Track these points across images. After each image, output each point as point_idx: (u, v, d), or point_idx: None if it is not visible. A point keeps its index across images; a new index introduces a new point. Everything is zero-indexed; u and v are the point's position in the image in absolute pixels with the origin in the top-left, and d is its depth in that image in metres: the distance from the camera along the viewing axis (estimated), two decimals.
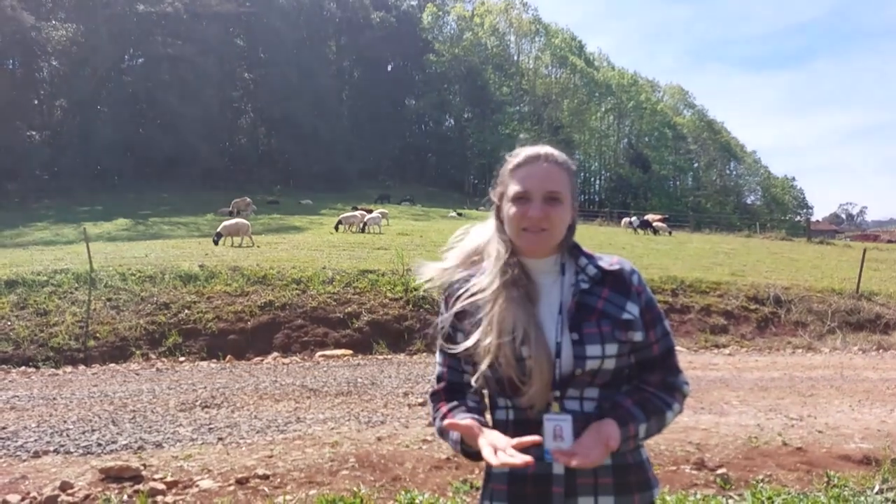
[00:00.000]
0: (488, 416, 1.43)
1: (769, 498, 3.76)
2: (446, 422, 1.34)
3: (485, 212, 1.51)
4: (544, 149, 1.42)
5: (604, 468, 1.31)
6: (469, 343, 1.36)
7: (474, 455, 1.33)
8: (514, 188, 1.38)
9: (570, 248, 1.43)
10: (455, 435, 1.36)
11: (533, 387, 1.30)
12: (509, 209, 1.38)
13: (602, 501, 1.31)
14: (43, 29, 40.75)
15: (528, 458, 1.19)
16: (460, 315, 1.40)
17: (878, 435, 5.29)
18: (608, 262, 1.41)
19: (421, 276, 1.49)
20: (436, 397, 1.45)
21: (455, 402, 1.42)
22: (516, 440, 1.23)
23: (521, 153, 1.42)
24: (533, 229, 1.35)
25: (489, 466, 1.41)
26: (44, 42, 41.28)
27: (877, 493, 3.87)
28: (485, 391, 1.44)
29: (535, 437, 1.23)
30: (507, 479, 1.36)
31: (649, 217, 30.49)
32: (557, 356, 1.31)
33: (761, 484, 4.08)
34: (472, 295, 1.39)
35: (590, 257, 1.42)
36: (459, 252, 1.49)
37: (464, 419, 1.33)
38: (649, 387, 1.38)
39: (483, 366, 1.33)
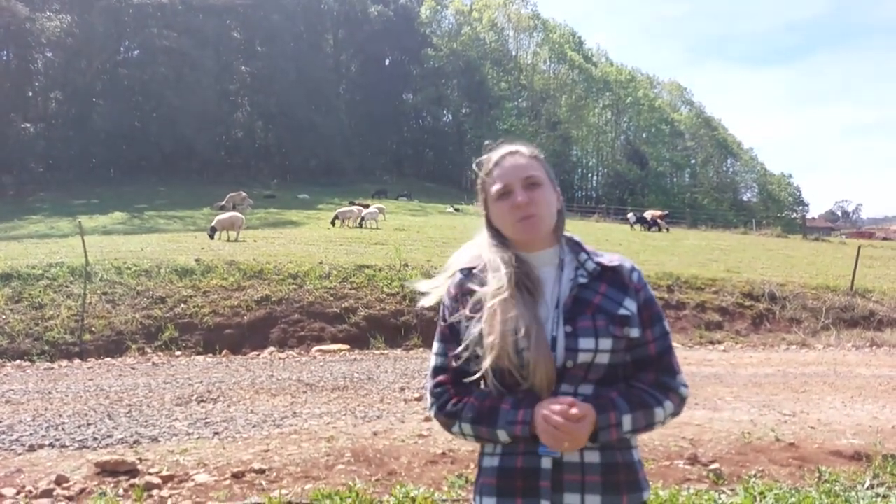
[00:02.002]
0: None
1: (761, 493, 3.79)
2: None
3: (479, 208, 1.52)
4: (510, 146, 1.47)
5: (591, 466, 1.31)
6: (473, 333, 1.37)
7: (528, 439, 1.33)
8: (494, 188, 1.42)
9: (571, 244, 1.45)
10: (513, 414, 1.32)
11: (533, 380, 1.32)
12: (497, 209, 1.42)
13: (589, 499, 1.31)
14: (37, 20, 40.44)
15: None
16: (464, 306, 1.41)
17: (870, 431, 5.33)
18: (608, 258, 1.44)
19: (421, 290, 1.51)
20: (442, 390, 1.41)
21: (477, 392, 1.41)
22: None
23: (491, 158, 1.47)
24: (523, 218, 1.38)
25: (480, 462, 1.43)
26: (38, 33, 40.99)
27: (867, 489, 3.91)
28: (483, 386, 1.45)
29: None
30: (496, 474, 1.37)
31: (648, 214, 30.38)
32: (553, 349, 1.33)
33: (754, 479, 4.11)
34: (475, 287, 1.41)
35: (590, 253, 1.44)
36: (455, 262, 1.51)
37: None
38: (641, 384, 1.38)
39: (487, 361, 1.34)
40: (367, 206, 25.21)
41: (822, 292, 12.81)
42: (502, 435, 1.33)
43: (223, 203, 27.84)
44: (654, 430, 1.40)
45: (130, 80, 44.39)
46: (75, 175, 39.34)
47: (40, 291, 9.98)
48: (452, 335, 1.43)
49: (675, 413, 1.38)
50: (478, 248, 1.48)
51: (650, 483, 1.35)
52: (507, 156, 1.44)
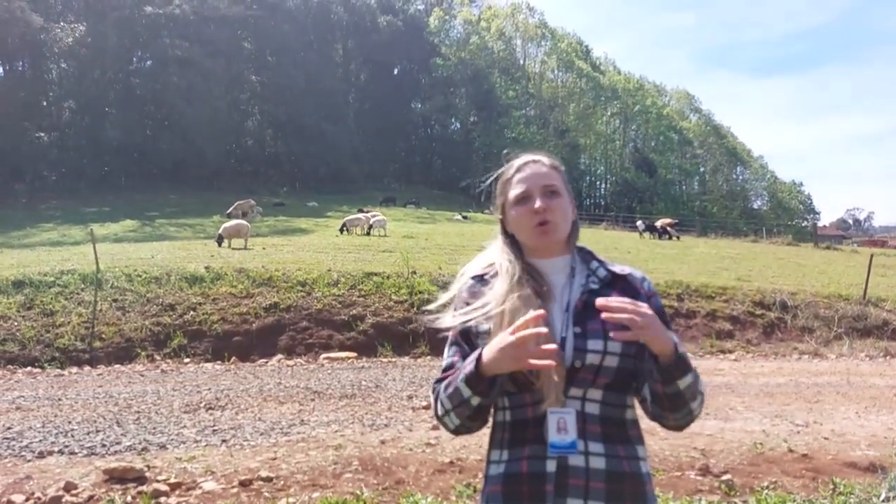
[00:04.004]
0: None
1: None
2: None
3: (490, 215, 1.53)
4: (532, 155, 1.51)
5: (596, 472, 1.30)
6: (482, 334, 1.38)
7: (479, 382, 1.30)
8: (514, 193, 1.46)
9: (583, 253, 1.48)
10: (470, 358, 1.32)
11: (541, 380, 1.32)
12: (514, 213, 1.46)
13: None
14: (51, 30, 41.00)
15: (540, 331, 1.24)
16: (475, 308, 1.42)
17: (885, 442, 5.25)
18: (619, 268, 1.47)
19: (442, 321, 1.49)
20: (441, 380, 1.43)
21: None
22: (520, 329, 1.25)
23: (513, 164, 1.51)
24: (541, 223, 1.41)
25: (487, 470, 1.43)
26: (52, 43, 41.55)
27: (883, 501, 3.84)
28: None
29: (538, 317, 1.25)
30: (501, 480, 1.36)
31: (658, 223, 30.19)
32: (562, 349, 1.34)
33: (766, 490, 4.06)
34: (486, 291, 1.43)
35: (602, 262, 1.47)
36: (467, 271, 1.52)
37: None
38: None
39: None
40: (365, 212, 25.21)
41: (834, 301, 12.68)
42: (462, 388, 1.32)
43: (230, 211, 27.85)
44: (687, 417, 1.36)
45: (143, 89, 44.87)
46: (87, 183, 39.72)
47: (51, 298, 10.05)
48: (463, 339, 1.45)
49: (701, 406, 1.37)
50: (490, 256, 1.51)
51: (660, 495, 1.32)
52: (529, 163, 1.48)
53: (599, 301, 1.25)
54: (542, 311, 1.26)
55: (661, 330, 1.25)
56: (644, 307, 1.25)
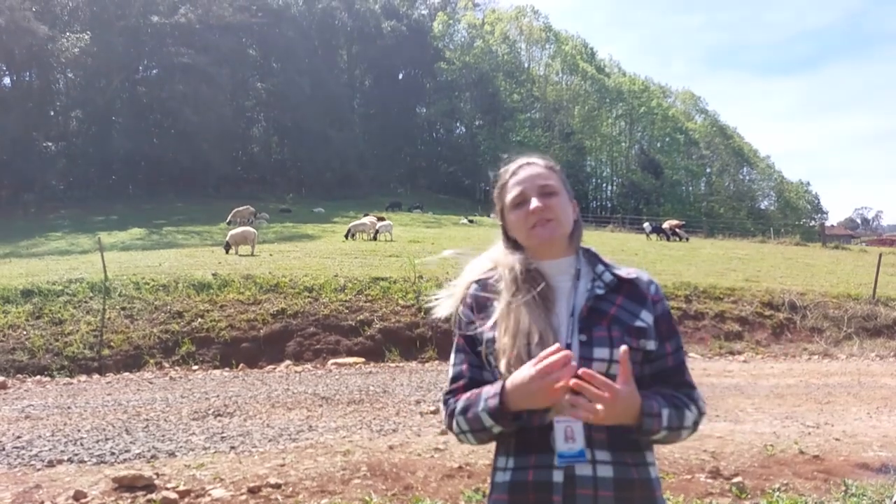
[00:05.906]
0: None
1: None
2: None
3: (496, 220, 1.53)
4: (526, 158, 1.50)
5: (604, 481, 1.28)
6: (488, 340, 1.37)
7: (503, 416, 1.30)
8: (510, 196, 1.45)
9: (589, 256, 1.46)
10: (491, 390, 1.31)
11: None
12: (513, 217, 1.45)
13: None
14: (58, 40, 41.37)
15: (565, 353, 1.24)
16: (479, 314, 1.41)
17: None
18: (626, 271, 1.44)
19: (435, 300, 1.52)
20: (453, 394, 1.42)
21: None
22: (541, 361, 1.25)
23: (508, 168, 1.50)
24: (539, 222, 1.39)
25: (493, 477, 1.42)
26: (59, 53, 41.89)
27: None
28: None
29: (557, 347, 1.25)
30: (507, 489, 1.35)
31: (666, 225, 30.05)
32: None
33: (778, 493, 4.02)
34: (490, 296, 1.42)
35: (607, 265, 1.44)
36: (468, 273, 1.51)
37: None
38: (664, 390, 1.37)
39: (501, 366, 1.33)
40: (365, 215, 25.24)
41: (843, 301, 12.59)
42: (484, 417, 1.31)
43: (229, 219, 27.69)
44: (676, 443, 1.38)
45: (149, 97, 45.18)
46: (95, 192, 40.03)
47: (60, 307, 10.11)
48: (468, 345, 1.43)
49: (696, 424, 1.36)
50: (492, 260, 1.49)
51: (670, 499, 1.31)
52: (523, 166, 1.47)
53: (584, 371, 1.23)
54: (558, 346, 1.25)
55: (621, 412, 1.23)
56: (616, 390, 1.22)
